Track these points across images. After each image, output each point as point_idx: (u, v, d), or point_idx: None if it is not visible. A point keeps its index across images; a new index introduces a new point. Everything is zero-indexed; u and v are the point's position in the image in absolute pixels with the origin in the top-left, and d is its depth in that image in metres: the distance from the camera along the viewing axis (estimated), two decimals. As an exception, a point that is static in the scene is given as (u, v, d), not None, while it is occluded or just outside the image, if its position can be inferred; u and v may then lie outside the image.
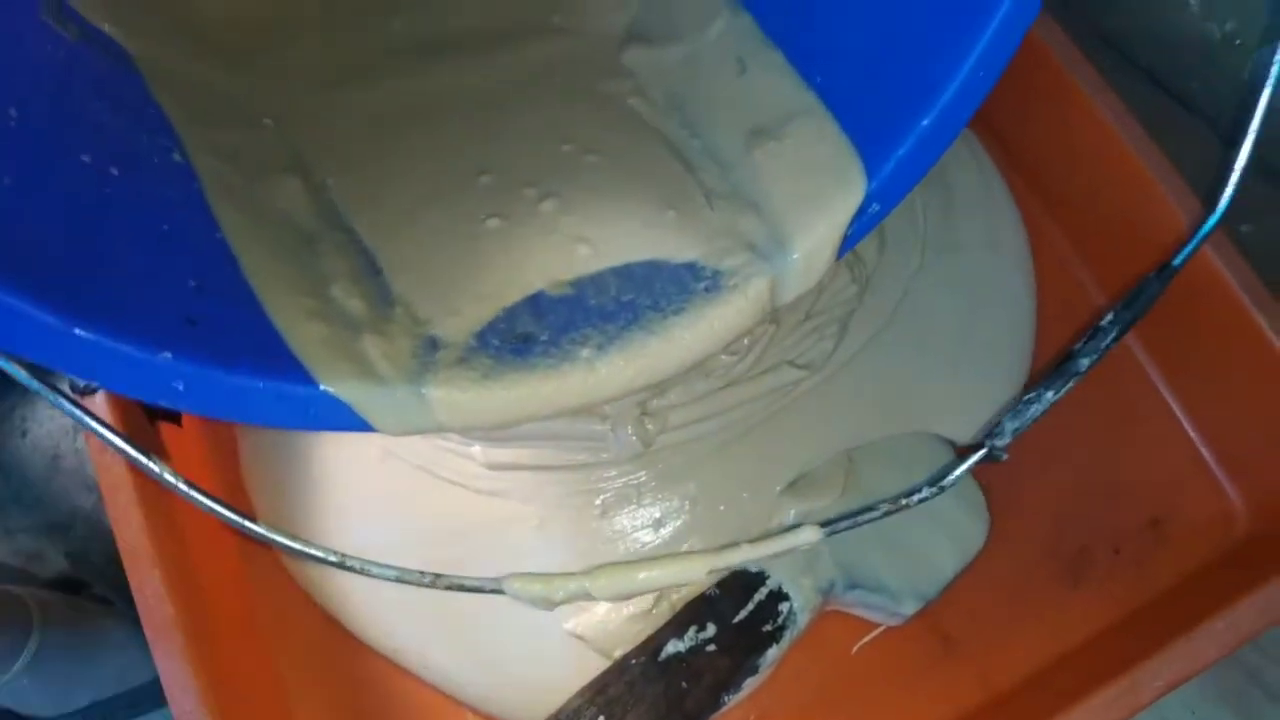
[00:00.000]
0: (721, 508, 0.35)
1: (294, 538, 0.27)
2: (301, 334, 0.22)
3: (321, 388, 0.21)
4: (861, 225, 0.25)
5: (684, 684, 0.33)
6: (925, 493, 0.30)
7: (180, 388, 0.20)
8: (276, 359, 0.22)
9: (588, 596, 0.30)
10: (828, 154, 0.25)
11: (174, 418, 0.36)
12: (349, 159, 0.28)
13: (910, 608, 0.35)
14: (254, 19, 0.31)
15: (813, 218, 0.25)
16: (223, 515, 0.26)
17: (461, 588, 0.29)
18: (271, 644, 0.36)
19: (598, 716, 0.32)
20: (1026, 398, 0.30)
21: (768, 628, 0.34)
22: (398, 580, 0.28)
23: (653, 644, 0.34)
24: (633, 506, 0.36)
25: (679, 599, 0.35)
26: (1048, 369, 0.30)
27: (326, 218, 0.26)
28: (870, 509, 0.31)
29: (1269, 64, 0.27)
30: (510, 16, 0.33)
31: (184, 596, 0.31)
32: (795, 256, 0.25)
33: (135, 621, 0.30)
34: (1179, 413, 0.39)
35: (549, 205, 0.27)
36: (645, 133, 0.29)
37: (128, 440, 0.24)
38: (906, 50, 0.24)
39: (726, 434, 0.36)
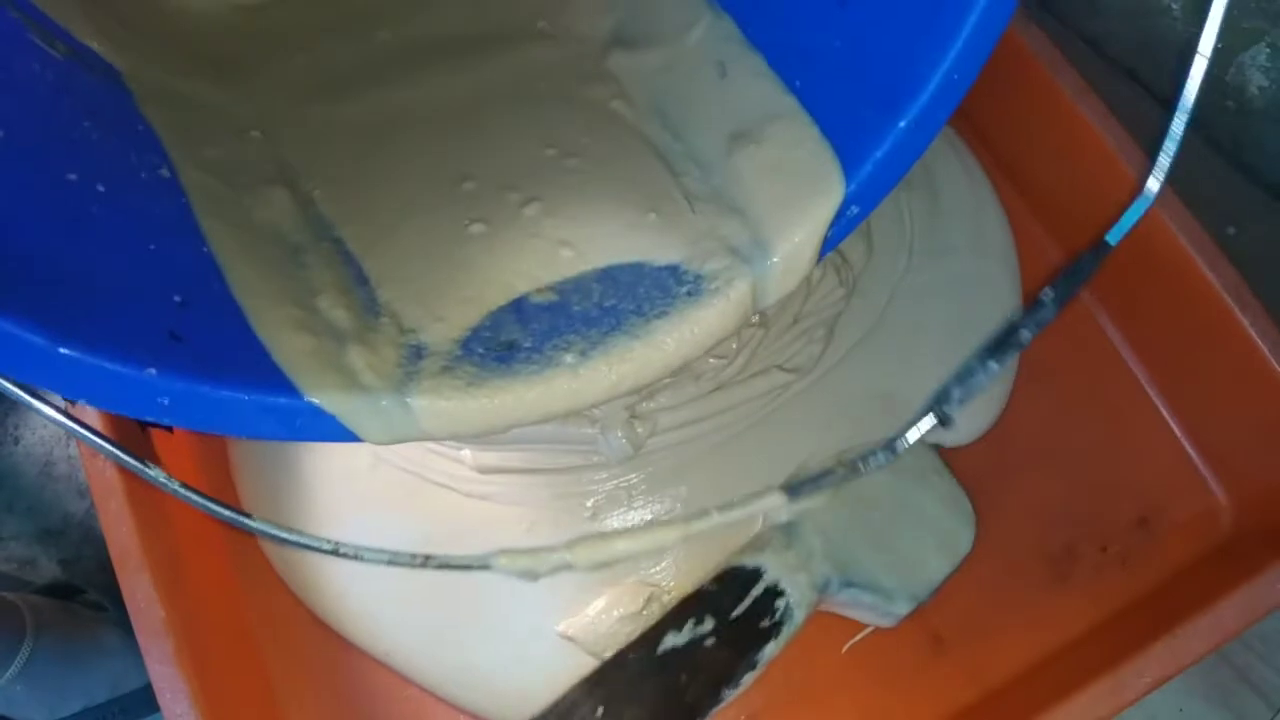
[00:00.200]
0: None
1: (289, 529, 0.27)
2: (287, 346, 0.22)
3: (307, 399, 0.22)
4: (841, 227, 0.25)
5: (683, 677, 0.33)
6: (881, 457, 0.31)
7: (165, 403, 0.20)
8: (262, 372, 0.22)
9: (568, 567, 0.31)
10: (807, 157, 0.25)
11: (165, 425, 0.36)
12: (336, 169, 0.29)
13: (904, 608, 0.35)
14: (240, 33, 0.32)
15: (793, 221, 0.25)
16: (217, 513, 0.27)
17: (449, 566, 0.29)
18: (263, 648, 0.36)
19: (596, 709, 0.32)
20: (971, 366, 0.31)
21: (765, 623, 0.34)
22: (390, 564, 0.28)
23: (651, 638, 0.34)
24: (623, 509, 0.36)
25: (670, 599, 0.35)
26: (992, 340, 0.31)
27: (314, 229, 0.26)
28: (829, 473, 0.32)
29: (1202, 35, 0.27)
30: (495, 23, 0.34)
31: (175, 601, 0.31)
32: (776, 259, 0.25)
33: (128, 628, 0.30)
34: (1165, 412, 0.40)
35: (532, 209, 0.28)
36: (628, 137, 0.29)
37: (118, 446, 0.24)
38: (884, 53, 0.24)
39: (717, 437, 0.37)
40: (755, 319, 0.35)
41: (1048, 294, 0.29)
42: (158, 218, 0.24)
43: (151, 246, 0.23)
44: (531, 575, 0.31)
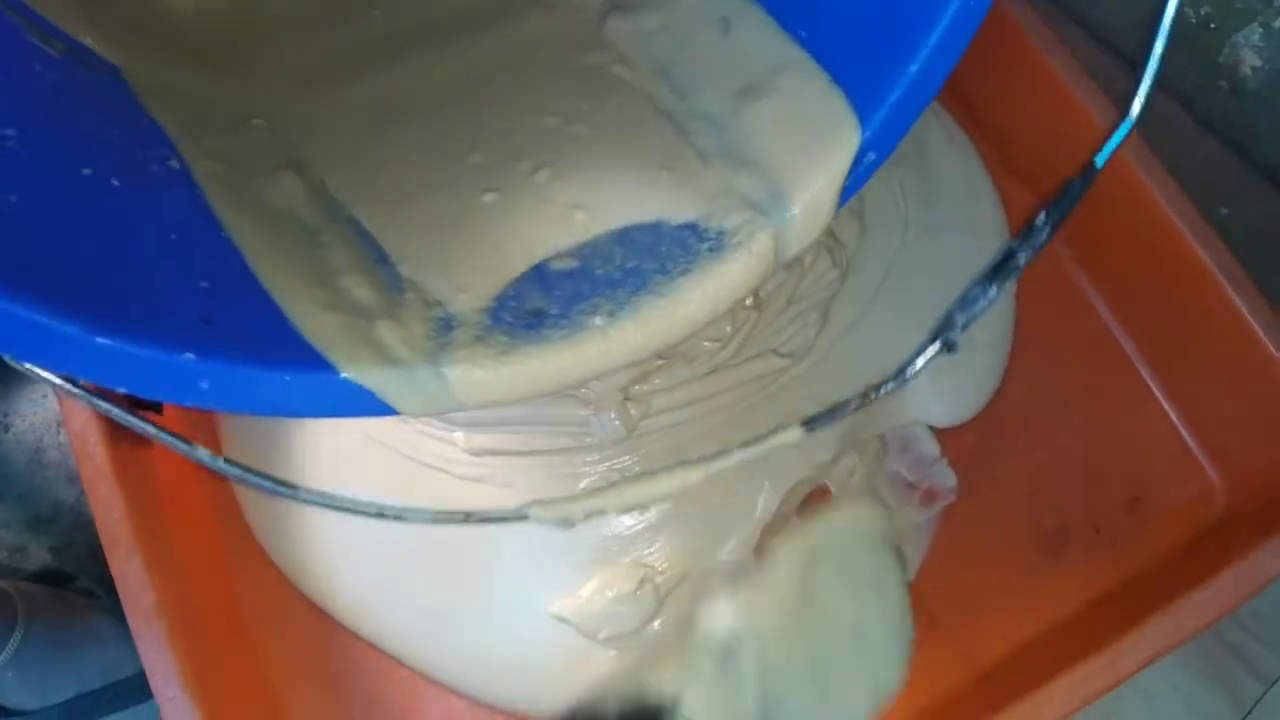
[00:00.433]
0: (708, 493, 0.35)
1: (334, 496, 0.27)
2: (317, 325, 0.22)
3: (343, 375, 0.22)
4: (859, 175, 0.25)
5: None
6: (891, 385, 0.31)
7: (205, 386, 0.21)
8: (295, 351, 0.22)
9: (602, 512, 0.30)
10: (819, 106, 0.25)
11: (155, 406, 0.36)
12: (342, 151, 0.29)
13: None
14: (232, 23, 0.31)
15: (810, 170, 0.25)
16: (258, 483, 0.27)
17: (489, 520, 0.29)
18: (255, 631, 0.36)
19: None
20: (972, 293, 0.31)
21: None
22: (434, 522, 0.28)
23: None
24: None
25: (663, 581, 0.35)
26: (989, 266, 0.31)
27: (327, 211, 0.26)
28: (844, 405, 0.32)
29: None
30: (488, -3, 0.33)
31: (166, 583, 0.31)
32: (796, 210, 0.25)
33: (120, 615, 0.30)
34: (1158, 394, 0.40)
35: (542, 175, 0.28)
36: (633, 100, 0.29)
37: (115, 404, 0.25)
38: (888, -4, 0.24)
39: (711, 420, 0.37)
40: (749, 300, 0.35)
41: (1041, 218, 0.30)
42: (174, 208, 0.24)
43: (172, 236, 0.23)
44: (567, 523, 0.31)
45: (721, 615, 0.30)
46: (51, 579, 0.53)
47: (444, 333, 0.24)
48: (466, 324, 0.24)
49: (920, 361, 0.30)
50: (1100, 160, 0.29)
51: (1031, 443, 0.39)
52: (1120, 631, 0.31)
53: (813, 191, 0.25)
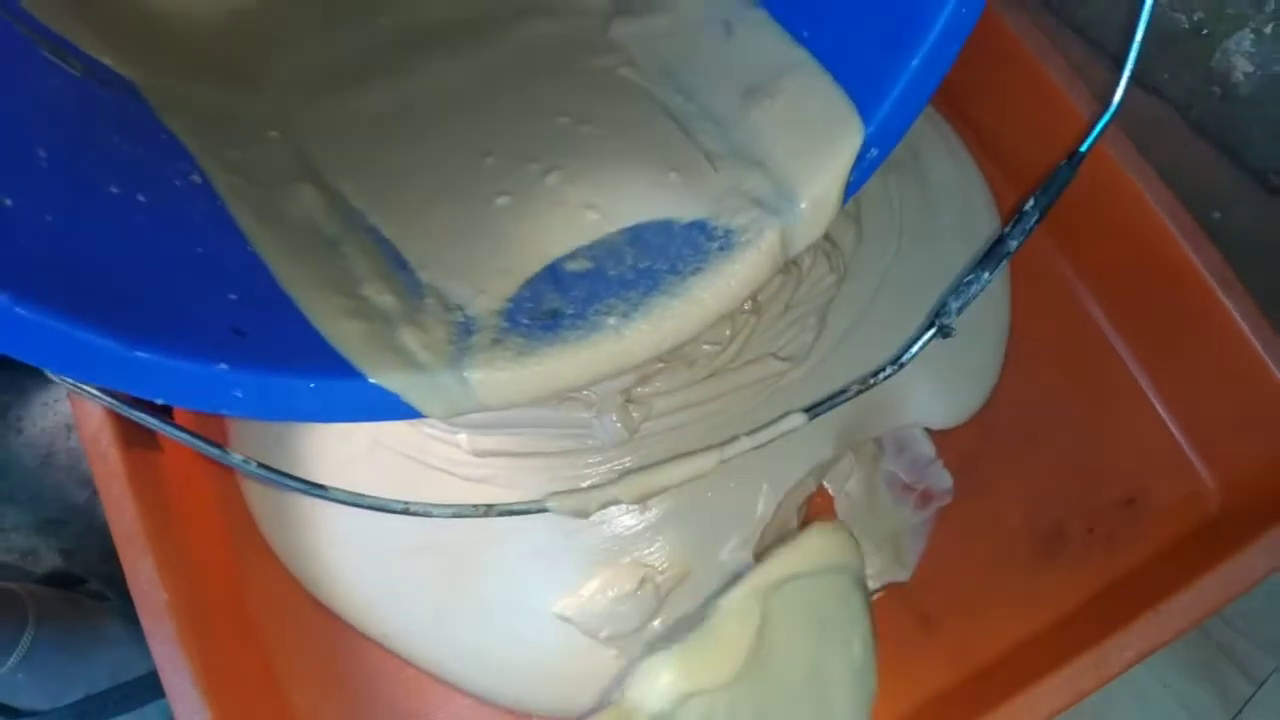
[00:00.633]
0: (709, 494, 0.36)
1: (360, 495, 0.28)
2: (342, 333, 0.23)
3: (370, 381, 0.23)
4: (862, 171, 0.26)
5: None
6: (888, 370, 0.32)
7: (239, 395, 0.22)
8: (323, 358, 0.23)
9: (616, 502, 0.32)
10: (823, 104, 0.26)
11: (165, 410, 0.36)
12: (357, 161, 0.29)
13: None
14: (241, 37, 0.32)
15: (815, 168, 0.26)
16: (255, 473, 0.28)
17: (510, 512, 0.31)
18: (264, 630, 0.37)
19: None
20: (967, 279, 0.32)
21: None
22: (454, 516, 0.29)
23: None
24: (617, 492, 0.36)
25: (664, 580, 0.35)
26: (981, 253, 0.32)
27: (345, 220, 0.27)
28: (844, 391, 0.33)
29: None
30: (495, 1, 0.34)
31: (177, 582, 0.32)
32: (803, 206, 0.26)
33: (130, 616, 0.31)
34: (1152, 395, 0.41)
35: (554, 178, 0.28)
36: (640, 101, 0.30)
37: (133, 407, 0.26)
38: (888, -6, 0.25)
39: (712, 422, 0.37)
40: (747, 304, 0.36)
41: (1029, 204, 0.31)
42: (199, 221, 0.25)
43: (199, 249, 0.24)
44: (583, 513, 0.32)
45: (655, 680, 0.29)
46: (61, 581, 0.53)
47: (464, 336, 0.25)
48: (485, 327, 0.25)
49: (916, 347, 0.31)
50: (1085, 147, 0.30)
51: (1026, 444, 0.40)
52: (1111, 631, 0.32)
53: (818, 188, 0.26)
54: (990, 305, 0.42)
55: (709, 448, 0.32)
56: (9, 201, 0.20)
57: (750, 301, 0.36)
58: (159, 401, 0.22)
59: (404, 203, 0.28)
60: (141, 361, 0.20)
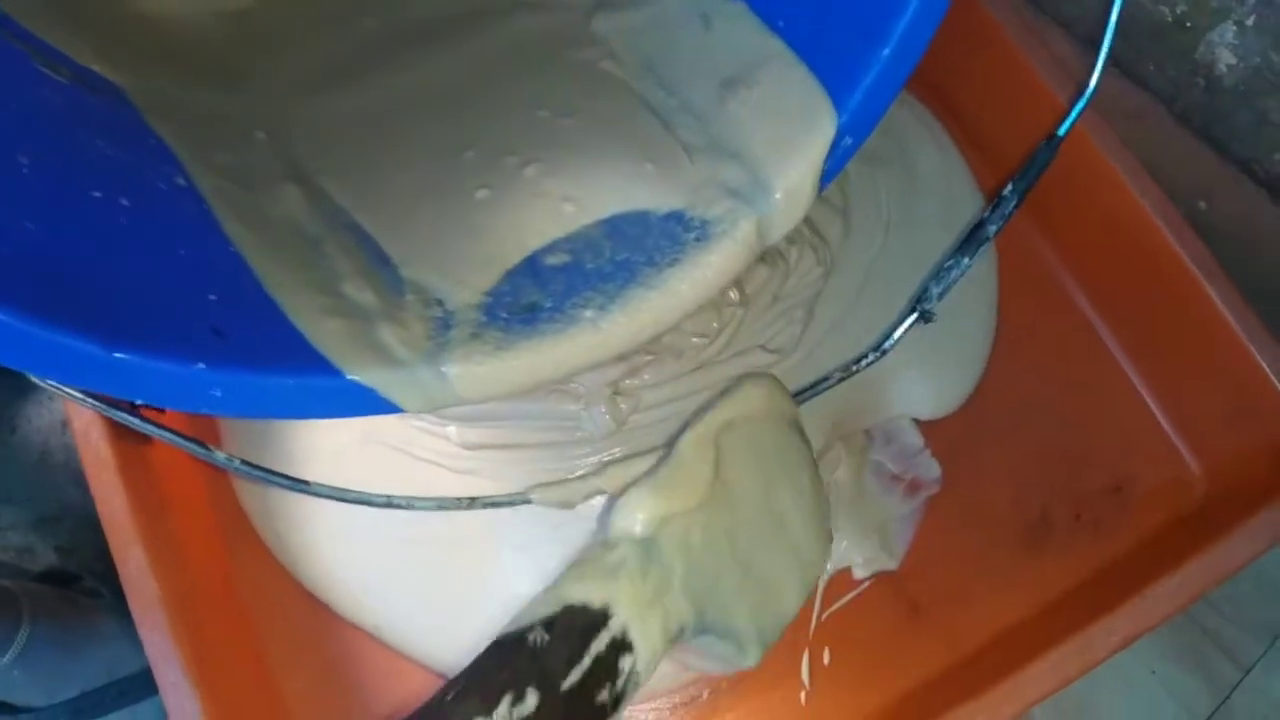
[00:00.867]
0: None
1: (340, 489, 0.29)
2: (321, 331, 0.24)
3: (348, 378, 0.23)
4: (837, 159, 0.26)
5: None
6: (871, 356, 0.32)
7: (218, 394, 0.22)
8: (302, 357, 0.23)
9: (600, 492, 0.32)
10: (798, 95, 0.26)
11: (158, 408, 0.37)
12: (341, 160, 0.30)
13: (753, 658, 0.32)
14: (227, 39, 0.33)
15: (790, 157, 0.26)
16: (239, 469, 0.29)
17: (494, 504, 0.31)
18: (256, 621, 0.37)
19: None
20: (947, 264, 0.32)
21: (603, 696, 0.27)
22: (438, 509, 0.30)
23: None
24: (605, 484, 0.36)
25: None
26: (960, 238, 0.32)
27: (329, 219, 0.28)
28: (825, 379, 0.32)
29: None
30: (477, -1, 0.34)
31: (168, 573, 0.32)
32: (777, 196, 0.26)
33: (125, 613, 0.31)
34: (1137, 383, 0.41)
35: (532, 170, 0.29)
36: (620, 95, 0.30)
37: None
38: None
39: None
40: (735, 296, 0.36)
41: (1008, 188, 0.31)
42: (182, 224, 0.25)
43: (181, 251, 0.24)
44: (568, 504, 0.33)
45: (635, 511, 0.30)
46: (56, 579, 0.53)
47: (442, 332, 0.25)
48: (464, 322, 0.25)
49: (898, 332, 0.32)
50: (1063, 130, 0.31)
51: (1014, 433, 0.40)
52: (1097, 615, 0.32)
53: (793, 178, 0.26)
54: (977, 297, 0.42)
55: (689, 430, 0.32)
56: None
57: (738, 294, 0.36)
58: (139, 403, 0.22)
59: (386, 199, 0.29)
60: (120, 363, 0.20)
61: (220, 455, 0.29)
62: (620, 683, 0.27)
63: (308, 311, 0.24)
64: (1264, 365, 0.35)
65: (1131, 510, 0.39)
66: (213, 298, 0.23)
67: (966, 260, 0.32)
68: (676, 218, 0.27)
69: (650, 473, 0.32)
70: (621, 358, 0.33)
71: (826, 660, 0.37)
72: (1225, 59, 0.40)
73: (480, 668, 0.27)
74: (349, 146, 0.30)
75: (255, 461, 0.37)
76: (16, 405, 0.57)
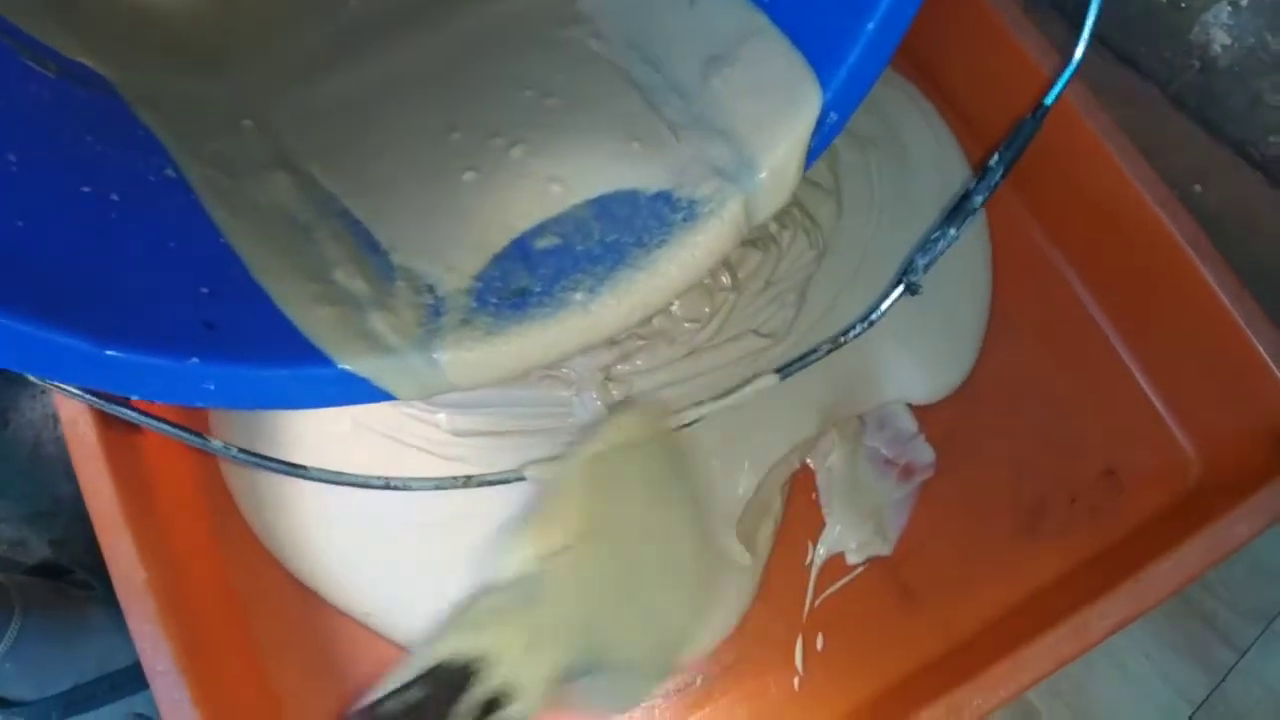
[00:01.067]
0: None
1: (342, 472, 0.29)
2: (312, 320, 0.24)
3: (340, 367, 0.23)
4: (822, 136, 0.26)
5: None
6: (859, 328, 0.32)
7: (211, 388, 0.22)
8: (295, 347, 0.23)
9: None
10: (782, 71, 0.26)
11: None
12: (329, 146, 0.30)
13: (644, 692, 0.32)
14: (212, 28, 0.32)
15: (775, 135, 0.26)
16: (235, 456, 0.29)
17: (488, 482, 0.31)
18: (244, 608, 0.37)
19: None
20: (934, 236, 0.32)
21: None
22: (435, 489, 0.29)
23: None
24: (598, 469, 0.36)
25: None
26: (947, 208, 0.32)
27: (319, 205, 0.28)
28: (815, 350, 0.32)
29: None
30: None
31: (156, 561, 0.32)
32: (763, 175, 0.26)
33: (116, 606, 0.31)
34: (1132, 367, 0.41)
35: (518, 151, 0.29)
36: (606, 73, 0.30)
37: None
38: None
39: (693, 399, 0.37)
40: (727, 281, 0.36)
41: (994, 159, 0.30)
42: (172, 216, 0.25)
43: (171, 244, 0.24)
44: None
45: (506, 552, 0.30)
46: (48, 572, 0.53)
47: (433, 318, 0.25)
48: (454, 308, 0.25)
49: (885, 304, 0.31)
50: (1049, 100, 0.30)
51: (1008, 417, 0.40)
52: (1092, 599, 0.32)
53: (779, 156, 0.26)
54: (971, 282, 0.42)
55: (676, 410, 0.32)
56: None
57: (730, 278, 0.36)
58: (132, 398, 0.22)
59: (375, 184, 0.29)
60: (112, 360, 0.20)
61: (216, 443, 0.29)
62: None
63: (298, 300, 0.24)
64: (1260, 348, 0.35)
65: (1126, 494, 0.39)
66: (204, 290, 0.23)
67: (953, 231, 0.31)
68: (664, 198, 0.27)
69: (519, 522, 0.31)
70: (613, 341, 0.33)
71: (820, 645, 0.37)
72: (1220, 40, 0.39)
73: None
74: (336, 131, 0.30)
75: (247, 446, 0.37)
76: (9, 398, 0.57)
